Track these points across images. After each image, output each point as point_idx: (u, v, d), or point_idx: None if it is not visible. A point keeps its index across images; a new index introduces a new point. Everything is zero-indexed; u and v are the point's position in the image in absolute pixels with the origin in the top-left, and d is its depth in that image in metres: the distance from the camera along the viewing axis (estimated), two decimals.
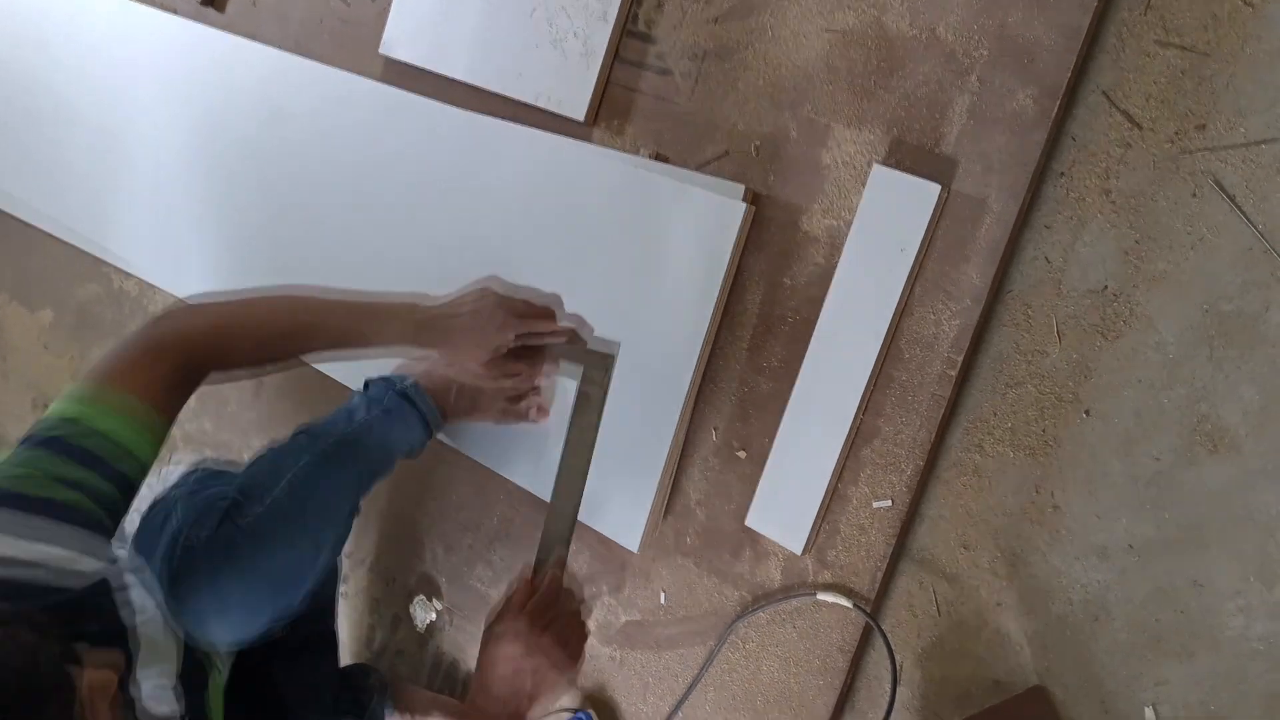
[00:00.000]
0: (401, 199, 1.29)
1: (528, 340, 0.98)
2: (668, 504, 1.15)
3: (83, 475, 0.70)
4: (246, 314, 0.88)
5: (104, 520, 0.70)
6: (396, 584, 1.38)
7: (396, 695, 1.24)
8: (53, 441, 0.71)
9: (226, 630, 0.83)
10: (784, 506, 1.06)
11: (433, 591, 1.36)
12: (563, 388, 1.16)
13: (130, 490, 0.74)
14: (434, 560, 1.34)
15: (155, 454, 0.77)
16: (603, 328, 1.16)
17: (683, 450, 1.14)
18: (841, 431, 1.02)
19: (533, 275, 1.20)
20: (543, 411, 1.19)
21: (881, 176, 1.00)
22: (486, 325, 0.94)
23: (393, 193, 1.30)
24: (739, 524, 1.10)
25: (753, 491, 1.08)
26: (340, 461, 0.94)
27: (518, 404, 1.18)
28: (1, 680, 0.54)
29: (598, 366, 1.01)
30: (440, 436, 1.26)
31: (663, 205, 1.10)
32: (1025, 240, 0.97)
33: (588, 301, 1.16)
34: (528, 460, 1.23)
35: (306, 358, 0.93)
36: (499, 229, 1.21)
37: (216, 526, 0.84)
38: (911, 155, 1.00)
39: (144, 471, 0.76)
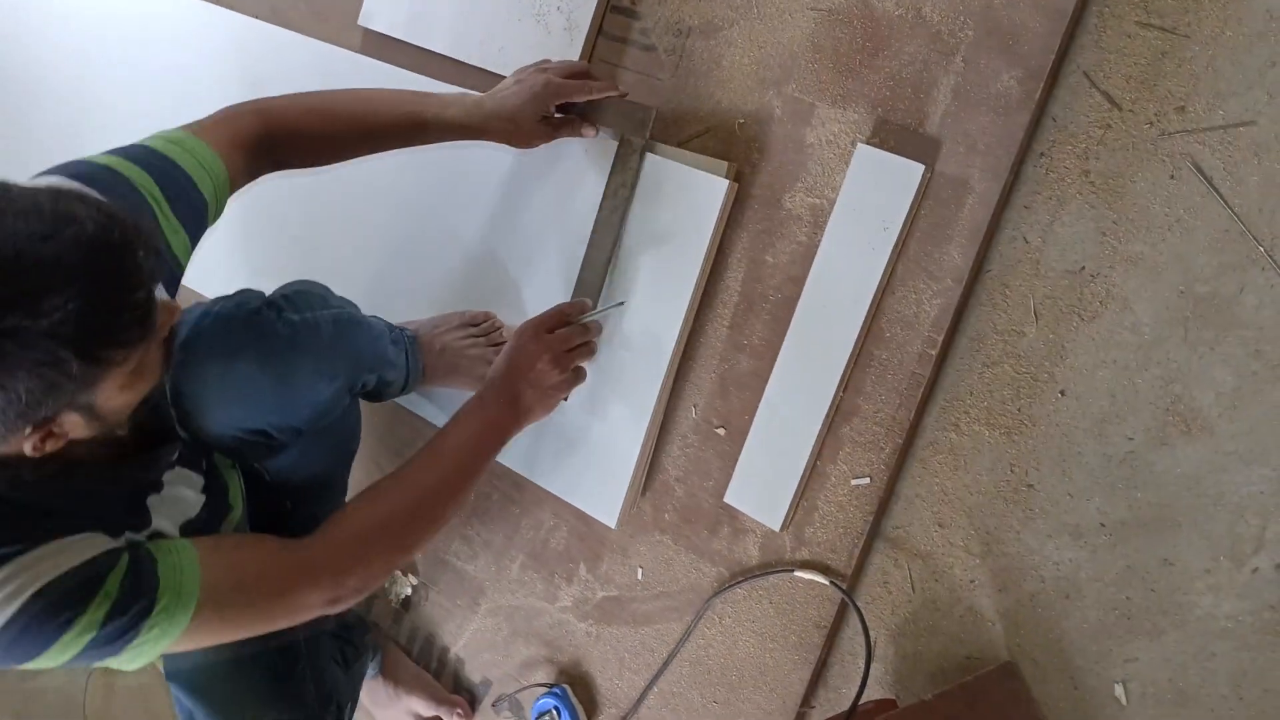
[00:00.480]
0: (382, 170, 1.27)
1: (573, 97, 1.05)
2: (646, 480, 1.15)
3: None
4: (318, 94, 1.00)
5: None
6: None
7: (385, 662, 1.23)
8: (131, 150, 0.83)
9: (223, 411, 0.86)
10: (762, 483, 1.06)
11: (408, 566, 1.35)
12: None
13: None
14: None
15: (215, 206, 0.88)
16: (563, 292, 1.14)
17: (662, 427, 1.14)
18: (821, 409, 1.02)
19: (511, 248, 1.20)
20: None
21: (865, 156, 0.99)
22: (535, 90, 1.04)
23: (372, 164, 1.28)
24: (717, 500, 1.10)
25: (732, 468, 1.08)
26: (372, 333, 1.02)
27: None
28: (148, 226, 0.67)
29: (636, 123, 1.07)
30: (418, 409, 1.26)
31: (645, 181, 1.09)
32: (1004, 220, 0.97)
33: (567, 276, 1.15)
34: None
35: (377, 146, 1.01)
36: (480, 200, 1.21)
37: (255, 311, 0.89)
38: (896, 135, 0.99)
39: (200, 218, 0.86)
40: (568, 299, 1.14)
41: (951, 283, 0.97)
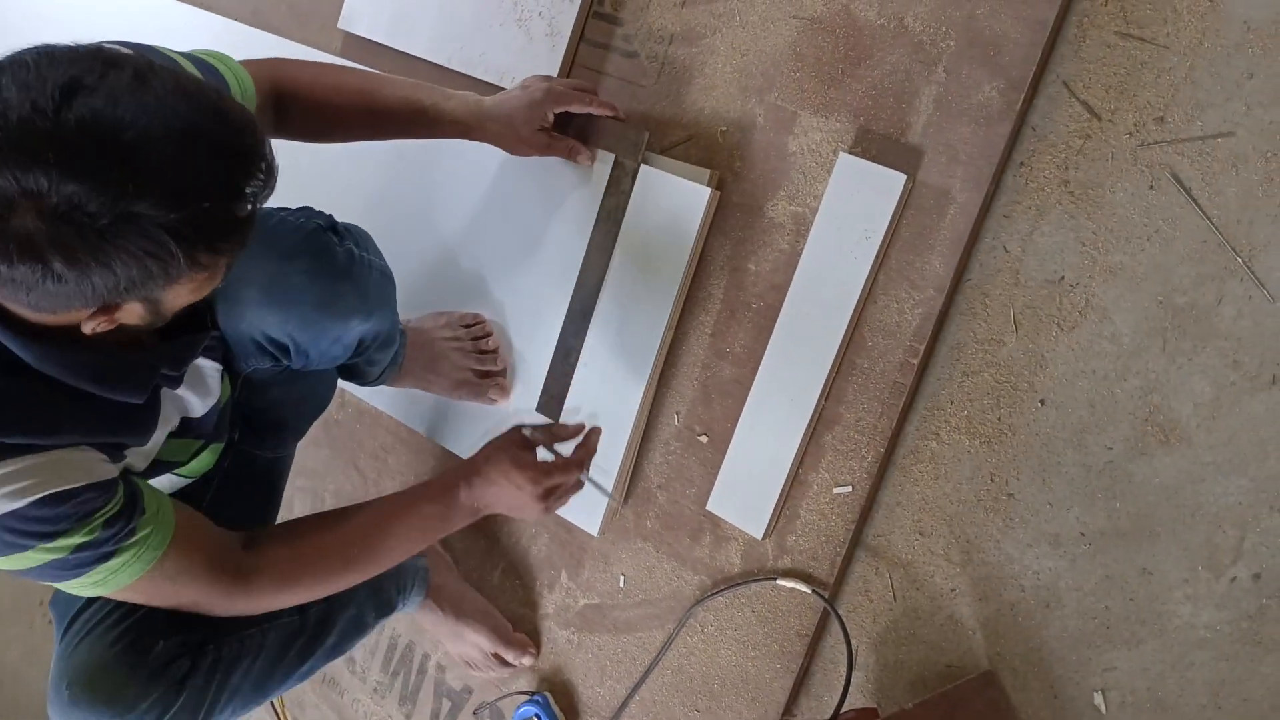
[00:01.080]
0: (361, 176, 1.26)
1: (572, 105, 1.06)
2: (628, 488, 1.15)
3: None
4: (331, 65, 1.01)
5: None
6: None
7: (434, 584, 1.19)
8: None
9: (263, 311, 0.86)
10: (745, 491, 1.06)
11: None
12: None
13: None
14: None
15: None
16: (556, 307, 1.15)
17: (645, 434, 1.13)
18: (803, 417, 1.02)
19: (489, 256, 1.20)
20: (503, 391, 1.19)
21: (848, 165, 0.99)
22: (535, 96, 1.05)
23: (353, 171, 1.27)
24: (700, 508, 1.10)
25: (714, 476, 1.08)
26: (396, 305, 1.03)
27: (479, 378, 1.18)
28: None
29: (629, 146, 1.08)
30: (405, 419, 1.26)
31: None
32: (985, 230, 0.97)
33: (547, 282, 1.15)
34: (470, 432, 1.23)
35: (376, 129, 1.01)
36: (471, 210, 1.21)
37: (320, 228, 0.89)
38: (878, 144, 0.99)
39: None
40: (561, 315, 1.13)
41: (933, 292, 0.97)
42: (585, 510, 1.15)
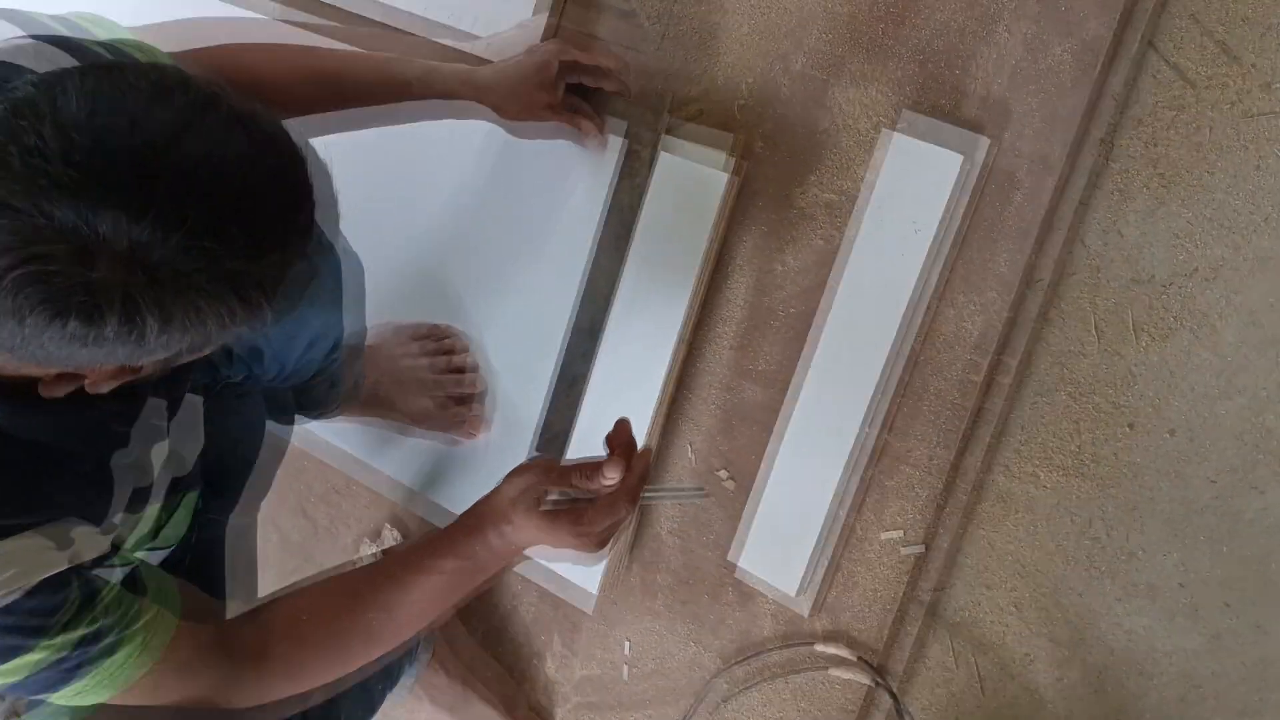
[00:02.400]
0: (340, 154, 1.25)
1: (583, 59, 1.09)
2: (634, 538, 1.14)
3: None
4: (284, 49, 1.01)
5: None
6: None
7: (439, 645, 1.18)
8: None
9: None
10: (777, 541, 1.05)
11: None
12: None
13: None
14: None
15: None
16: (556, 323, 1.16)
17: (652, 472, 1.11)
18: (846, 450, 1.02)
19: (469, 258, 1.20)
20: (479, 423, 1.19)
21: (892, 144, 0.99)
22: (542, 57, 1.07)
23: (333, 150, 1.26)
24: (721, 561, 1.09)
25: (738, 522, 1.08)
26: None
27: (450, 405, 1.19)
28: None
29: (646, 114, 1.08)
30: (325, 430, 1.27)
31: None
32: (1058, 220, 0.97)
33: (545, 291, 1.15)
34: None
35: (356, 121, 1.02)
36: (429, 196, 1.22)
37: None
38: (928, 119, 0.99)
39: None
40: (562, 333, 1.13)
41: (997, 295, 0.97)
42: (580, 568, 1.15)
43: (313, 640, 0.86)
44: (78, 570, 0.76)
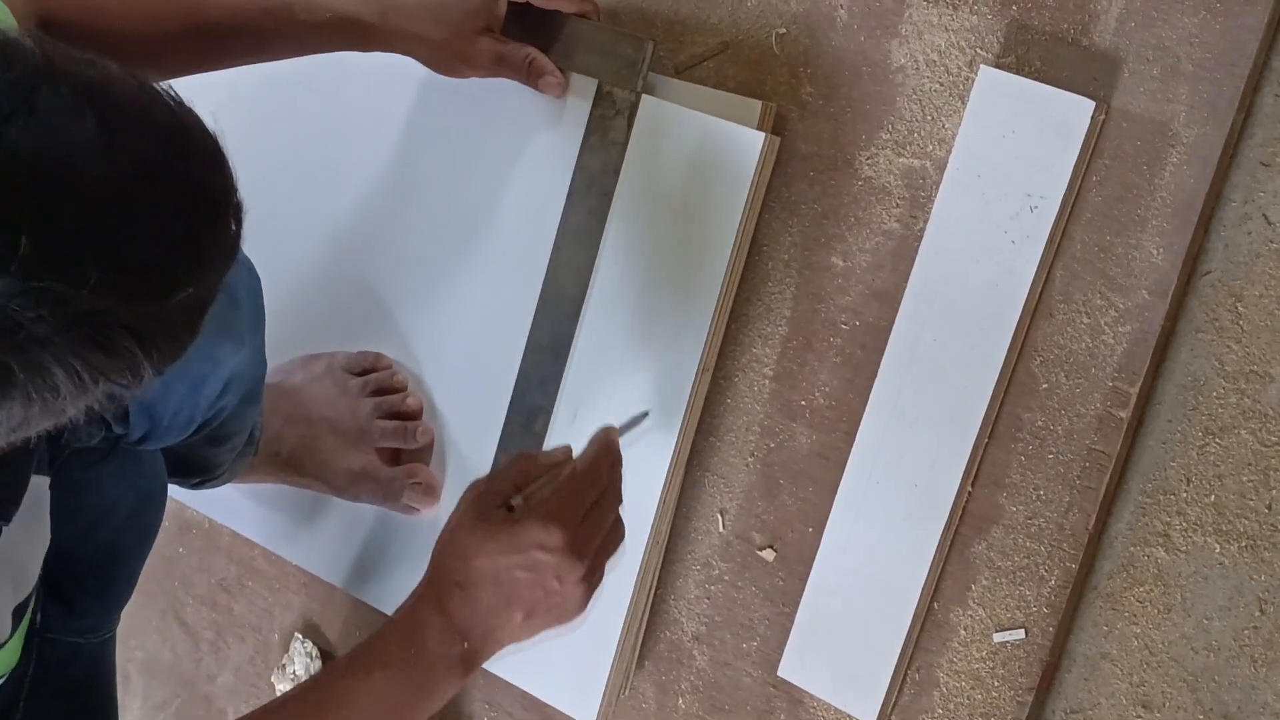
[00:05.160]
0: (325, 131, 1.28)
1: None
2: (643, 642, 1.14)
3: None
4: None
5: None
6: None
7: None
8: None
9: None
10: (842, 644, 1.05)
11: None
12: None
13: None
14: None
15: None
16: (520, 344, 1.16)
17: (669, 550, 1.14)
18: (937, 515, 1.02)
19: (395, 253, 1.23)
20: (429, 491, 1.20)
21: (996, 87, 0.99)
22: None
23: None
24: (767, 673, 1.09)
25: (789, 618, 1.07)
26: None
27: (388, 463, 1.21)
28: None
29: (622, 66, 1.09)
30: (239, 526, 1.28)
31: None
32: (1230, 188, 0.97)
33: (493, 295, 1.16)
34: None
35: (210, 53, 1.04)
36: (342, 168, 1.25)
37: None
38: (1044, 51, 0.99)
39: None
40: (517, 352, 1.15)
41: (1149, 295, 0.97)
42: (577, 679, 1.14)
43: None
44: None
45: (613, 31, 1.10)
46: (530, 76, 1.11)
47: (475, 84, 1.12)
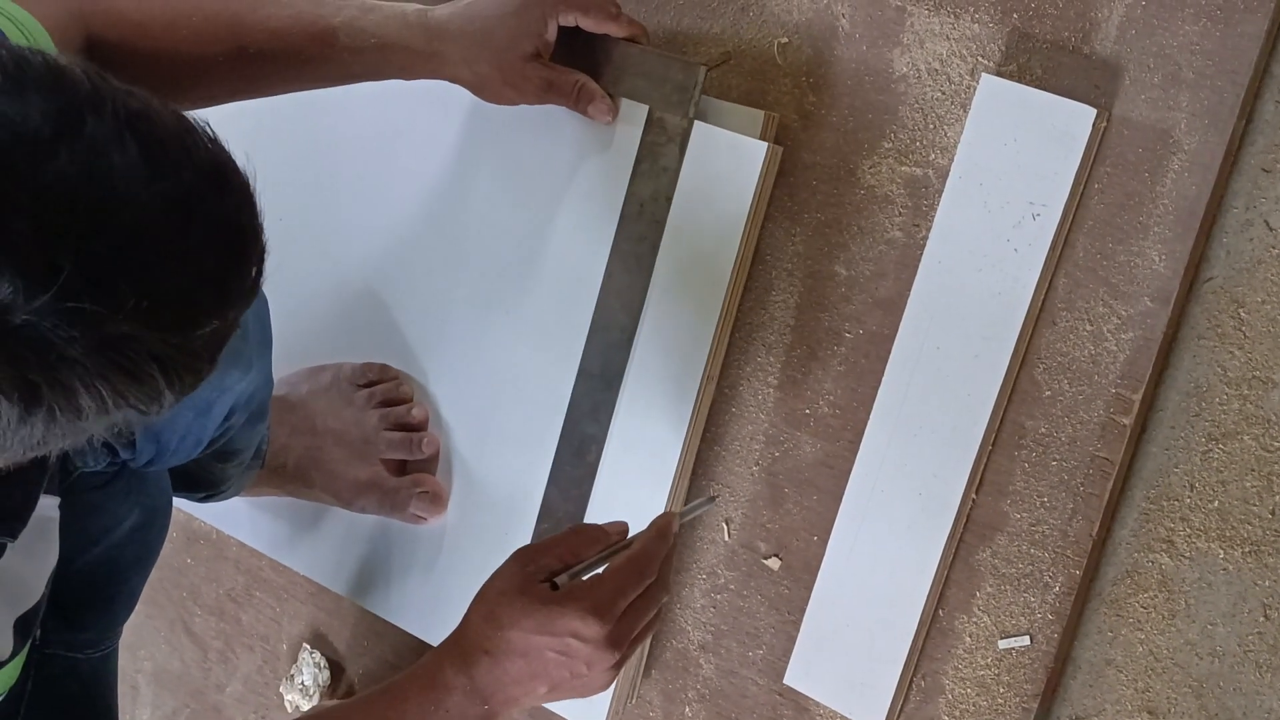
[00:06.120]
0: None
1: (582, 20, 1.08)
2: (650, 652, 1.15)
3: None
4: None
5: None
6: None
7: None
8: None
9: None
10: (848, 652, 1.05)
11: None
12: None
13: None
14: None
15: None
16: (539, 363, 1.17)
17: (675, 559, 1.08)
18: (942, 523, 1.02)
19: (430, 277, 1.23)
20: (436, 500, 1.20)
21: (997, 94, 0.99)
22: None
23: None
24: (773, 681, 1.10)
25: (795, 627, 1.08)
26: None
27: (394, 474, 1.21)
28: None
29: (673, 91, 1.08)
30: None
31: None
32: (1232, 195, 0.97)
33: (540, 323, 1.16)
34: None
35: (255, 77, 1.05)
36: (374, 189, 1.25)
37: None
38: (1045, 59, 0.99)
39: None
40: (568, 381, 1.14)
41: (1152, 302, 0.97)
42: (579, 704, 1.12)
43: None
44: None
45: (663, 56, 1.10)
46: (579, 102, 1.10)
47: (524, 110, 1.12)
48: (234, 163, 0.65)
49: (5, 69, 0.59)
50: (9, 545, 0.84)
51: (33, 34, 0.89)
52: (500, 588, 0.94)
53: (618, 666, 0.93)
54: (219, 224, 0.63)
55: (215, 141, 0.65)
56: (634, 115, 1.11)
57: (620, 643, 0.92)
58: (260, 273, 0.67)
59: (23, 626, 0.90)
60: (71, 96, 0.59)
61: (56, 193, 0.57)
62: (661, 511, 0.99)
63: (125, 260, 0.59)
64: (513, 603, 0.92)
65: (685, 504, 1.10)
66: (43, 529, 0.91)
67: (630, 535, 0.98)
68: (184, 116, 0.64)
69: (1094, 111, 0.96)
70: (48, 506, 0.91)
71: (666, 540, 0.96)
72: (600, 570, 0.94)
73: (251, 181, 0.66)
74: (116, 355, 0.60)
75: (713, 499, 1.06)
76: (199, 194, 0.62)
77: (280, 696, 1.33)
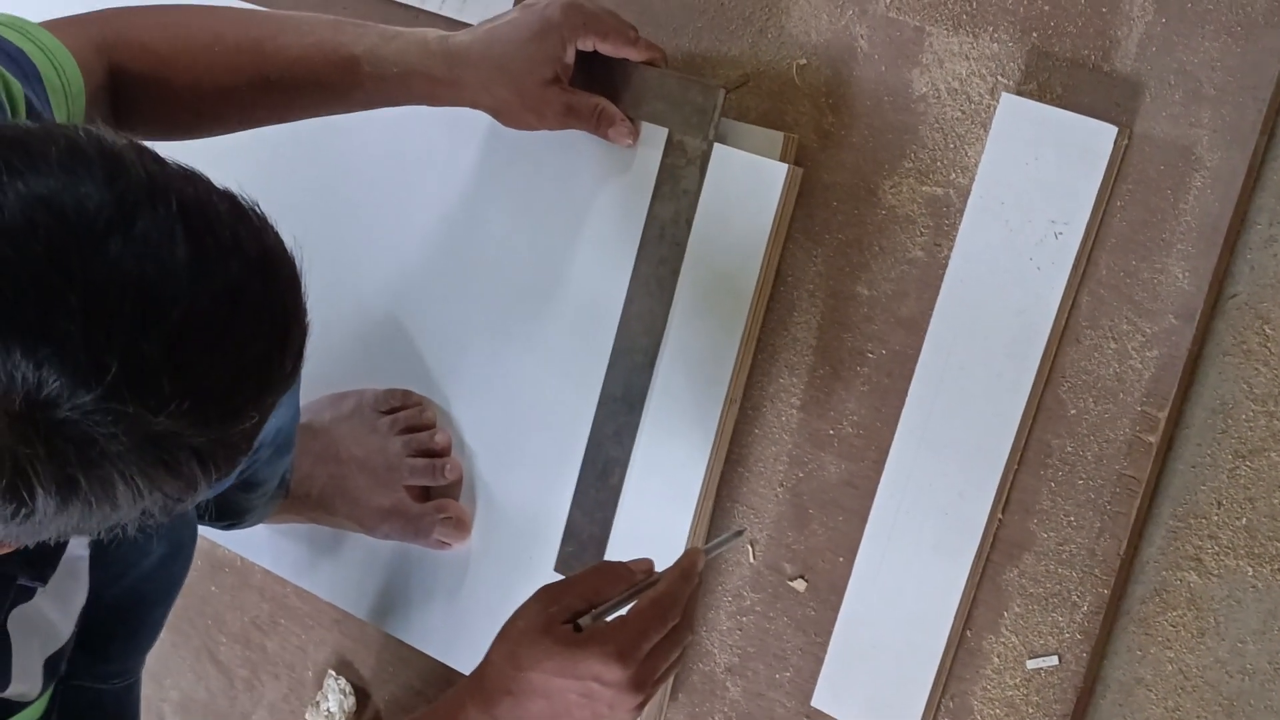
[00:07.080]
0: (229, 165, 1.27)
1: (601, 44, 1.08)
2: (675, 678, 1.14)
3: None
4: (189, 10, 1.05)
5: None
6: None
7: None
8: None
9: None
10: (875, 673, 1.05)
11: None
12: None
13: None
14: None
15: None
16: (562, 387, 1.17)
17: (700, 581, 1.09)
18: (968, 542, 1.02)
19: (450, 303, 1.23)
20: (460, 526, 1.20)
21: (1017, 113, 0.99)
22: (548, 18, 1.06)
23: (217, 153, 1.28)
24: (800, 703, 1.10)
25: (822, 648, 1.08)
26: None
27: (418, 500, 1.21)
28: None
29: (693, 114, 1.08)
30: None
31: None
32: (1255, 210, 0.97)
33: (563, 348, 1.17)
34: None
35: (275, 104, 1.07)
36: (393, 215, 1.26)
37: None
38: (1065, 77, 0.99)
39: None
40: (590, 404, 1.14)
41: (1176, 320, 0.97)
42: None
43: None
44: None
45: (682, 79, 1.10)
46: (599, 126, 1.10)
47: (543, 134, 1.12)
48: (282, 248, 0.65)
49: (59, 152, 0.59)
50: (39, 589, 0.85)
51: (62, 64, 0.90)
52: (523, 628, 0.93)
53: (640, 708, 0.93)
54: (264, 314, 0.63)
55: (264, 223, 0.65)
56: (654, 138, 1.11)
57: (643, 685, 0.91)
58: (301, 357, 0.67)
59: (51, 665, 0.90)
60: (125, 186, 0.59)
61: (106, 289, 0.57)
62: (686, 548, 0.98)
63: (172, 360, 0.59)
64: (535, 643, 0.92)
65: (710, 539, 1.09)
66: (73, 569, 0.92)
67: (656, 572, 0.97)
68: (237, 201, 0.64)
69: (1115, 129, 0.96)
70: (78, 545, 0.91)
71: (691, 580, 0.95)
72: (624, 611, 0.93)
73: (299, 265, 0.66)
74: (157, 451, 0.60)
75: (739, 533, 1.05)
76: (247, 286, 0.62)
77: None
